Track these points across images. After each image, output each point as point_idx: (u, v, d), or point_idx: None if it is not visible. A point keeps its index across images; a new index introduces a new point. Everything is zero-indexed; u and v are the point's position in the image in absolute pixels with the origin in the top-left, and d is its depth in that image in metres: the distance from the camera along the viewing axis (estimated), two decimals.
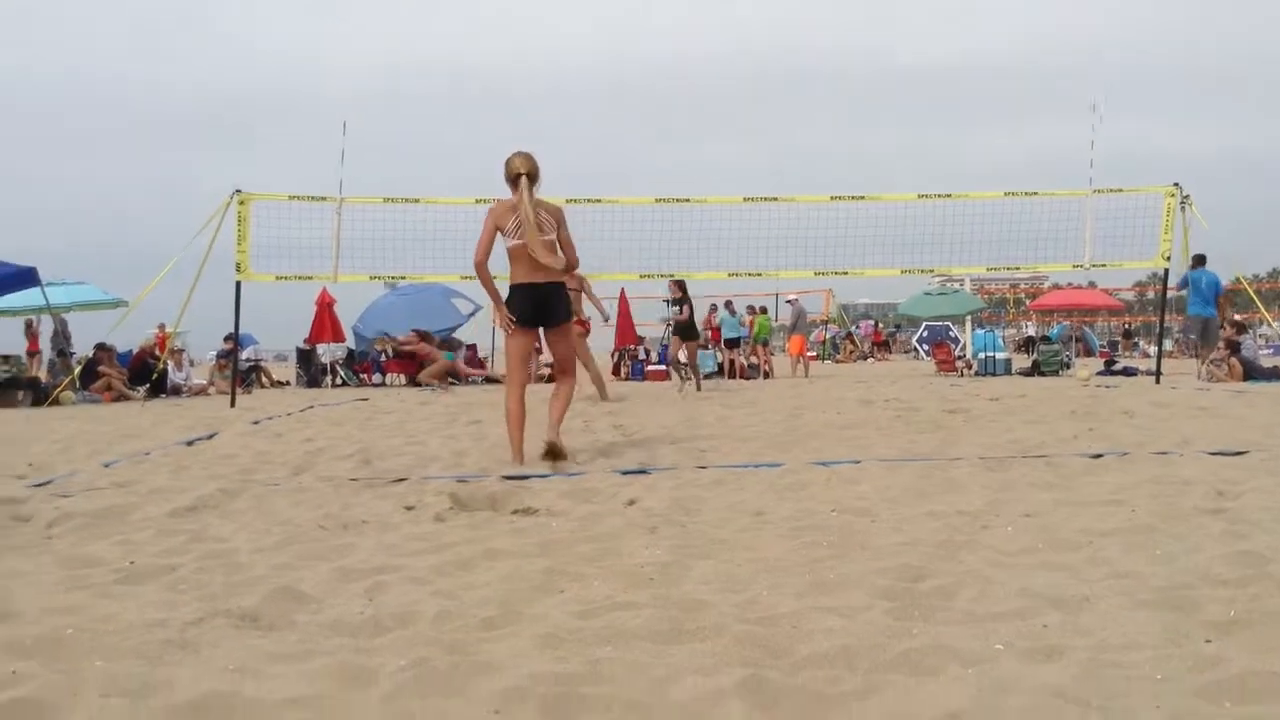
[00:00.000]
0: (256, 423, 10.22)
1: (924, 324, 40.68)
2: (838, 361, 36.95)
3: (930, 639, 2.78)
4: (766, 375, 22.68)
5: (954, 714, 2.25)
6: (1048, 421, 8.79)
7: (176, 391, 17.79)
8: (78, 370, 16.34)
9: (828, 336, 40.54)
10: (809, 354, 25.40)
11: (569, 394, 6.96)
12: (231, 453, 7.56)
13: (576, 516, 4.82)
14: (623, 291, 23.26)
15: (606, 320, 16.02)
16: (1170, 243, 14.69)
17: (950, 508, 4.72)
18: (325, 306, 22.56)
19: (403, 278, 15.77)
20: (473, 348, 23.59)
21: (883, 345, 45.54)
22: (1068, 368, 21.68)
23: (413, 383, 19.47)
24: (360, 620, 3.12)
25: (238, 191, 13.81)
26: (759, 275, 16.16)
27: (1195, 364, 17.05)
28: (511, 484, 5.62)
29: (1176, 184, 14.69)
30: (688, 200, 15.12)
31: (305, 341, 22.94)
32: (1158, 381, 15.20)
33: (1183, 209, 14.80)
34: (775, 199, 15.34)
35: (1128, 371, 20.28)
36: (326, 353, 22.92)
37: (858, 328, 47.75)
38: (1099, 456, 6.25)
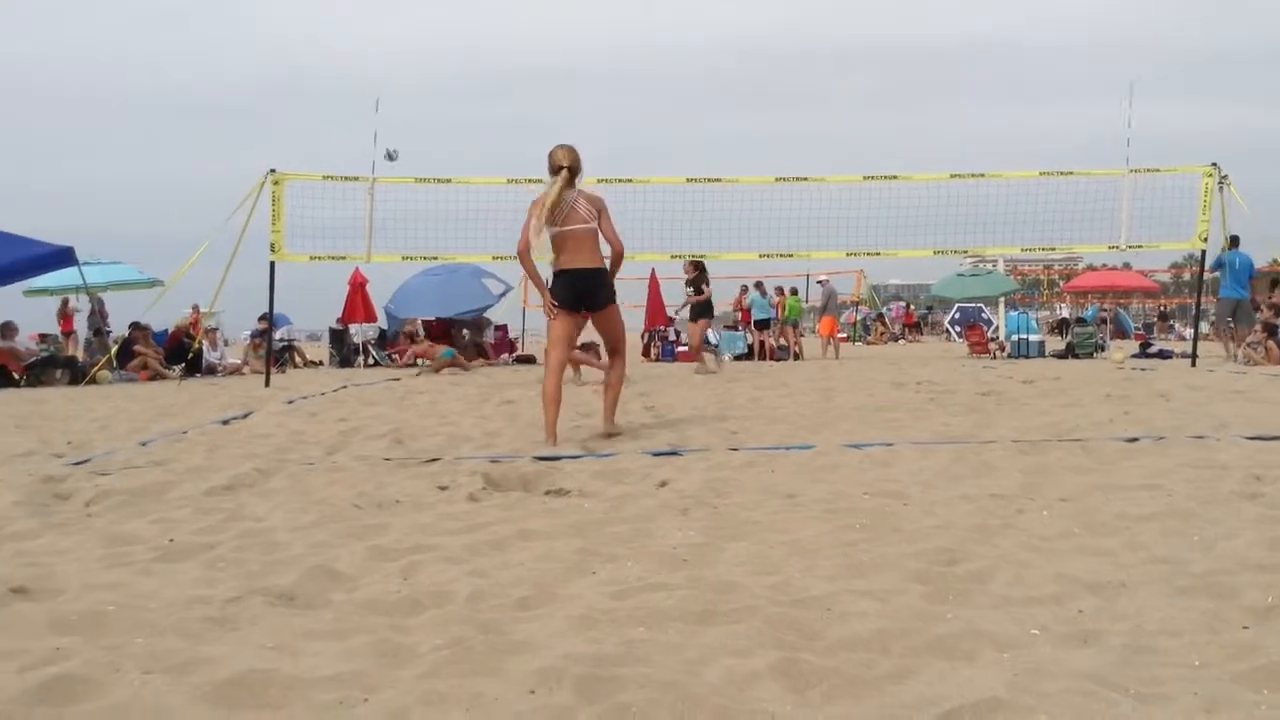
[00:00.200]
0: (291, 402, 10.29)
1: (956, 305, 40.38)
2: (868, 343, 36.78)
3: (965, 623, 2.77)
4: (797, 357, 22.60)
5: (990, 699, 2.24)
6: (1083, 404, 8.72)
7: (211, 371, 17.95)
8: (114, 349, 16.50)
9: (858, 318, 40.34)
10: (839, 335, 25.29)
11: (619, 381, 7.19)
12: (266, 432, 7.62)
13: (609, 497, 4.83)
14: (653, 272, 23.23)
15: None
16: (1208, 223, 14.50)
17: (984, 491, 4.70)
18: (358, 287, 22.66)
19: (435, 258, 15.80)
20: (503, 328, 23.66)
21: (914, 327, 45.26)
22: (1102, 350, 21.48)
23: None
24: (396, 599, 3.15)
25: (272, 171, 13.88)
26: (790, 256, 16.10)
27: (1230, 346, 16.83)
28: (544, 465, 5.64)
29: (1214, 164, 14.49)
30: (719, 180, 15.07)
31: (338, 321, 23.08)
32: (1194, 364, 15.04)
33: (1220, 189, 14.60)
34: (806, 179, 15.25)
35: (1163, 354, 20.08)
36: (359, 333, 23.05)
37: (889, 309, 47.48)
38: (1135, 440, 6.20)
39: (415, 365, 17.98)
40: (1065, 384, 11.22)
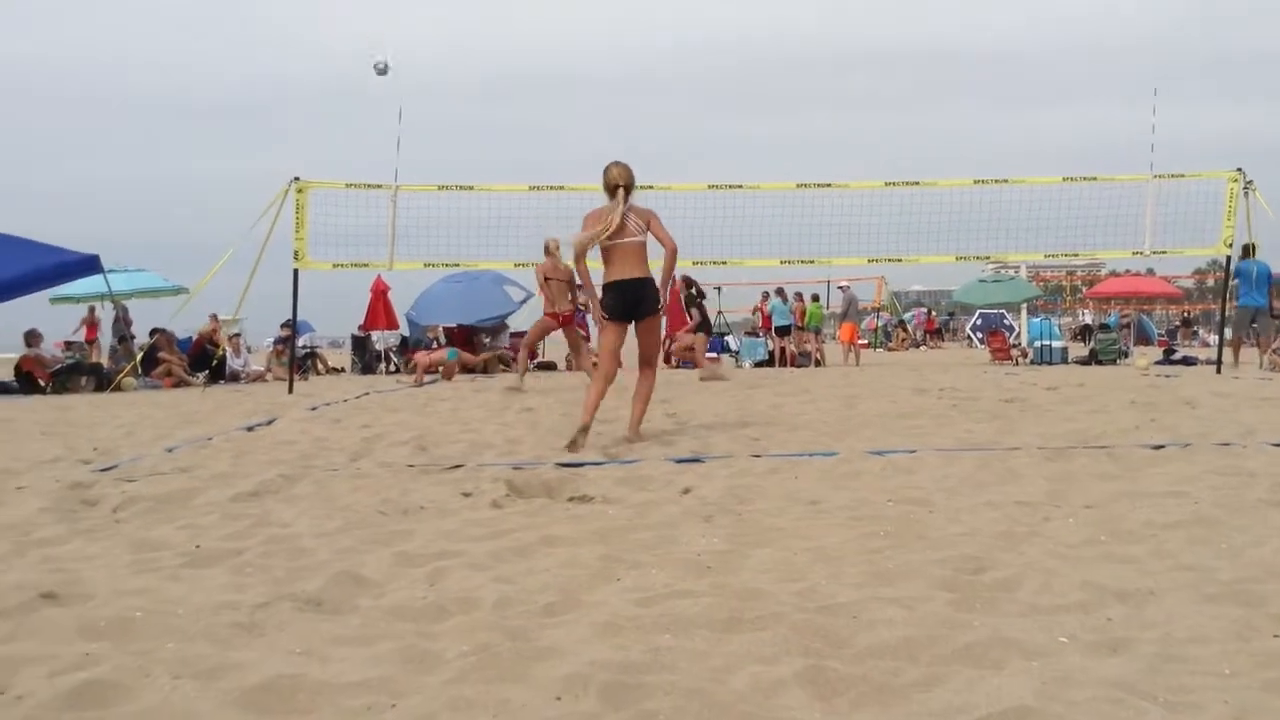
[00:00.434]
0: (314, 409, 10.34)
1: (978, 312, 40.25)
2: (889, 349, 36.68)
3: (992, 631, 2.76)
4: (818, 363, 22.55)
5: (1018, 707, 2.24)
6: (1108, 411, 8.67)
7: (235, 378, 18.04)
8: (140, 356, 16.62)
9: (879, 324, 40.23)
10: (860, 342, 25.22)
11: (648, 393, 7.43)
12: (291, 438, 7.66)
13: (632, 504, 4.83)
14: (674, 280, 23.21)
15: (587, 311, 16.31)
16: (1233, 229, 14.38)
17: (1009, 498, 4.68)
18: (380, 294, 22.76)
19: (457, 264, 15.85)
20: (522, 335, 23.68)
21: (936, 333, 45.11)
22: (1126, 356, 21.36)
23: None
24: (422, 605, 3.16)
25: (296, 179, 13.95)
26: (811, 262, 16.03)
27: (1239, 355, 16.70)
28: (567, 471, 5.65)
29: (1239, 169, 14.39)
30: (740, 187, 15.05)
31: (360, 328, 23.17)
32: (1219, 371, 14.93)
33: (1246, 194, 14.49)
34: (829, 185, 15.21)
35: (1187, 361, 19.94)
36: (381, 340, 23.13)
37: (911, 315, 47.34)
38: (1161, 447, 6.16)
39: (434, 375, 18.03)
40: (1089, 390, 11.15)
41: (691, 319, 17.50)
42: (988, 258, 17.36)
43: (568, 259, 7.30)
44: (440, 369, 17.14)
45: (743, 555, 3.73)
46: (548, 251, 12.75)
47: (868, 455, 6.04)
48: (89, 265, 16.56)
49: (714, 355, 23.34)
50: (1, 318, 16.82)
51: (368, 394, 12.78)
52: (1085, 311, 52.31)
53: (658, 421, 8.35)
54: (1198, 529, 3.96)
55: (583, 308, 22.27)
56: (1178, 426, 7.36)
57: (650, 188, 14.82)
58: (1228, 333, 17.12)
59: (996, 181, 15.21)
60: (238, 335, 19.30)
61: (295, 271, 14.07)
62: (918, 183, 15.24)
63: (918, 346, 39.70)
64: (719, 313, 28.48)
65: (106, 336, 21.43)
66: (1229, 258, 15.06)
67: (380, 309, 22.82)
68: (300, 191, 13.93)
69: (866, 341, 34.18)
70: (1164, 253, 15.42)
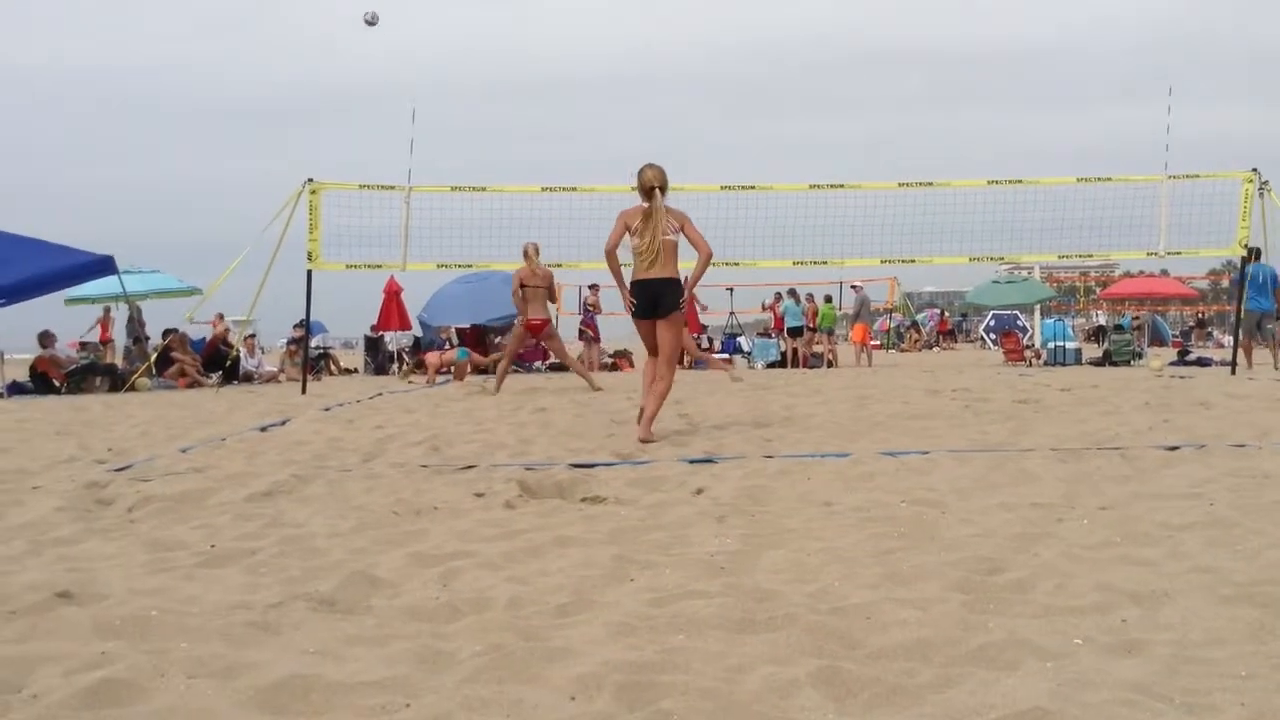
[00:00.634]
0: (328, 409, 10.36)
1: (991, 313, 40.14)
2: (902, 350, 36.57)
3: (1007, 633, 2.76)
4: (830, 364, 22.52)
5: (1033, 709, 2.23)
6: (1121, 412, 8.63)
7: (248, 378, 18.10)
8: (154, 357, 16.69)
9: (892, 325, 40.14)
10: (873, 343, 25.17)
11: (664, 390, 7.53)
12: (304, 439, 7.68)
13: (645, 505, 4.84)
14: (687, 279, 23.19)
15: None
16: (1248, 230, 14.31)
17: (1023, 500, 4.67)
18: (393, 295, 22.81)
19: (469, 265, 15.87)
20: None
21: (949, 334, 44.98)
22: (1139, 357, 21.26)
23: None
24: (435, 605, 3.17)
25: (309, 181, 13.99)
26: (824, 263, 16.00)
27: (1268, 355, 16.63)
28: (579, 472, 5.65)
29: (1255, 169, 14.32)
30: (753, 188, 15.02)
31: (373, 329, 23.23)
32: (1233, 372, 14.85)
33: (1261, 195, 14.42)
34: (842, 186, 15.18)
35: (1202, 362, 19.84)
36: (393, 340, 23.18)
37: (924, 316, 47.21)
38: (1175, 449, 6.13)
39: (446, 375, 18.07)
40: (1103, 392, 11.11)
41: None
42: (1001, 259, 17.32)
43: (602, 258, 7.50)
44: (452, 369, 17.16)
45: (756, 556, 3.73)
46: (526, 256, 12.47)
47: (881, 456, 6.03)
48: (104, 266, 16.62)
49: (726, 356, 23.36)
50: (17, 319, 16.89)
51: (381, 394, 12.81)
52: (1099, 313, 52.10)
53: (670, 422, 8.34)
54: (1213, 531, 3.94)
55: (590, 307, 22.40)
56: (1192, 428, 7.32)
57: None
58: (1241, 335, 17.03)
59: (1010, 182, 15.16)
60: (253, 336, 19.37)
61: (309, 272, 14.10)
62: (931, 183, 15.20)
63: (930, 348, 39.57)
64: (730, 313, 28.43)
65: (121, 337, 21.52)
66: (1243, 259, 15.00)
67: (393, 310, 22.88)
68: (314, 193, 13.96)
69: (879, 342, 34.12)
70: (1178, 253, 15.35)
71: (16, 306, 16.09)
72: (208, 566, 3.70)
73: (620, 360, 22.01)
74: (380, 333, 23.06)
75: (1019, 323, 36.42)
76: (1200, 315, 48.30)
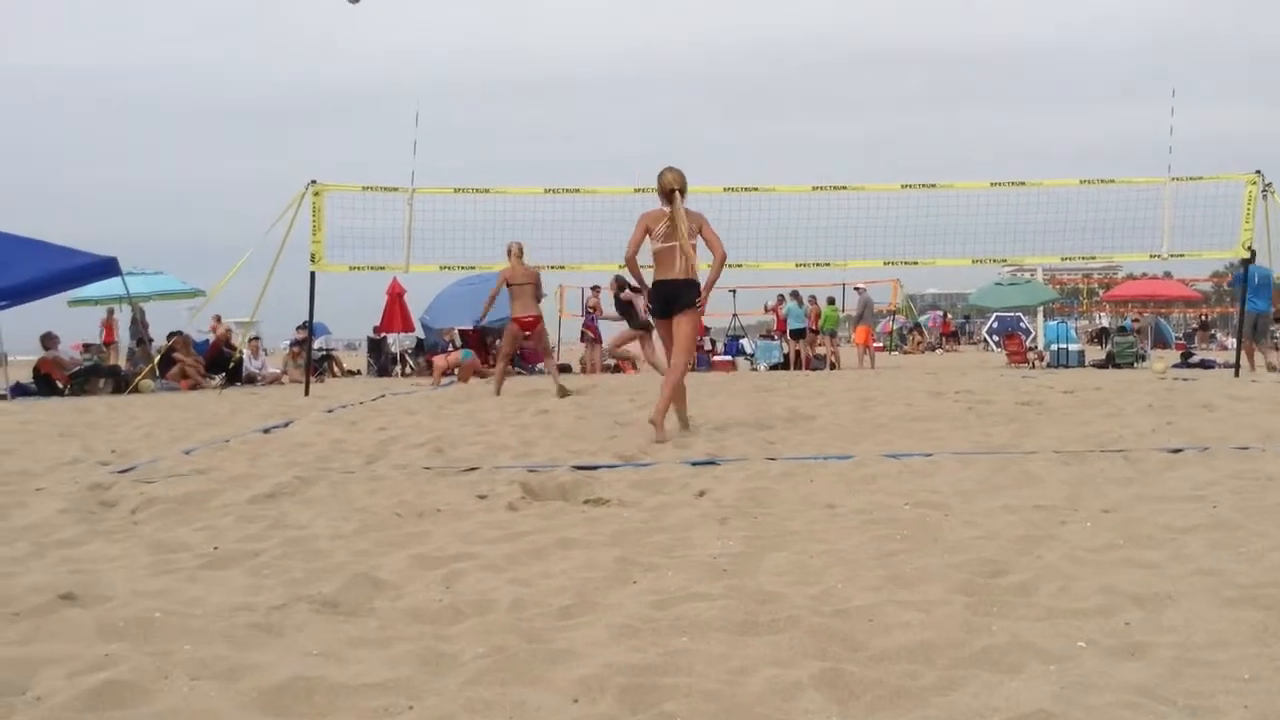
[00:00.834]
0: (330, 411, 10.36)
1: (994, 315, 40.12)
2: (905, 352, 36.55)
3: (1010, 635, 2.76)
4: (833, 366, 22.51)
5: (1036, 711, 2.23)
6: (1124, 415, 8.63)
7: (251, 380, 18.11)
8: (158, 359, 16.70)
9: (894, 327, 40.12)
10: (875, 344, 25.16)
11: (675, 381, 7.71)
12: (307, 441, 7.68)
13: (647, 507, 4.84)
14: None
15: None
16: (1251, 232, 14.30)
17: (1026, 502, 4.67)
18: (396, 296, 22.82)
19: (472, 267, 15.87)
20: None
21: (952, 336, 44.96)
22: (1143, 360, 21.24)
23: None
24: (438, 607, 3.17)
25: (313, 182, 14.00)
26: (827, 265, 15.98)
27: (1255, 360, 16.64)
28: (582, 474, 5.65)
29: (1259, 171, 14.31)
30: (756, 189, 15.00)
31: (375, 331, 23.24)
32: (1237, 374, 14.84)
33: (1265, 197, 14.40)
34: (844, 188, 15.16)
35: (1205, 364, 19.82)
36: (396, 342, 23.19)
37: (926, 318, 47.18)
38: (1179, 451, 6.13)
39: (452, 377, 18.07)
40: (1106, 394, 11.10)
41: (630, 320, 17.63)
42: (1004, 260, 17.28)
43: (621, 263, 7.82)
44: (456, 371, 17.18)
45: (758, 558, 3.73)
46: (509, 255, 12.48)
47: (884, 458, 6.02)
48: (107, 268, 16.64)
49: (729, 359, 23.36)
50: (20, 320, 16.91)
51: (384, 396, 12.81)
52: (1102, 315, 52.07)
53: (672, 423, 8.34)
54: (1216, 533, 3.93)
55: (591, 309, 22.39)
56: (1196, 430, 7.32)
57: None
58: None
59: (1013, 184, 15.14)
60: (257, 338, 19.38)
61: (312, 274, 14.11)
62: (934, 185, 15.19)
63: (933, 349, 39.55)
64: (733, 315, 28.42)
65: (124, 339, 21.56)
66: (1246, 261, 14.99)
67: (396, 311, 22.88)
68: (317, 195, 13.98)
69: (882, 344, 34.09)
70: (1181, 256, 15.33)
71: (20, 308, 16.11)
72: (211, 568, 3.71)
73: (623, 362, 22.01)
74: (383, 334, 23.06)
75: (1022, 325, 36.41)
76: (1203, 317, 48.25)
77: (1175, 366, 18.92)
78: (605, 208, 14.66)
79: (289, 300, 16.53)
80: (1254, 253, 15.78)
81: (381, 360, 22.42)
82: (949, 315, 51.92)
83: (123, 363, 18.51)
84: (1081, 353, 22.18)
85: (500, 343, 20.98)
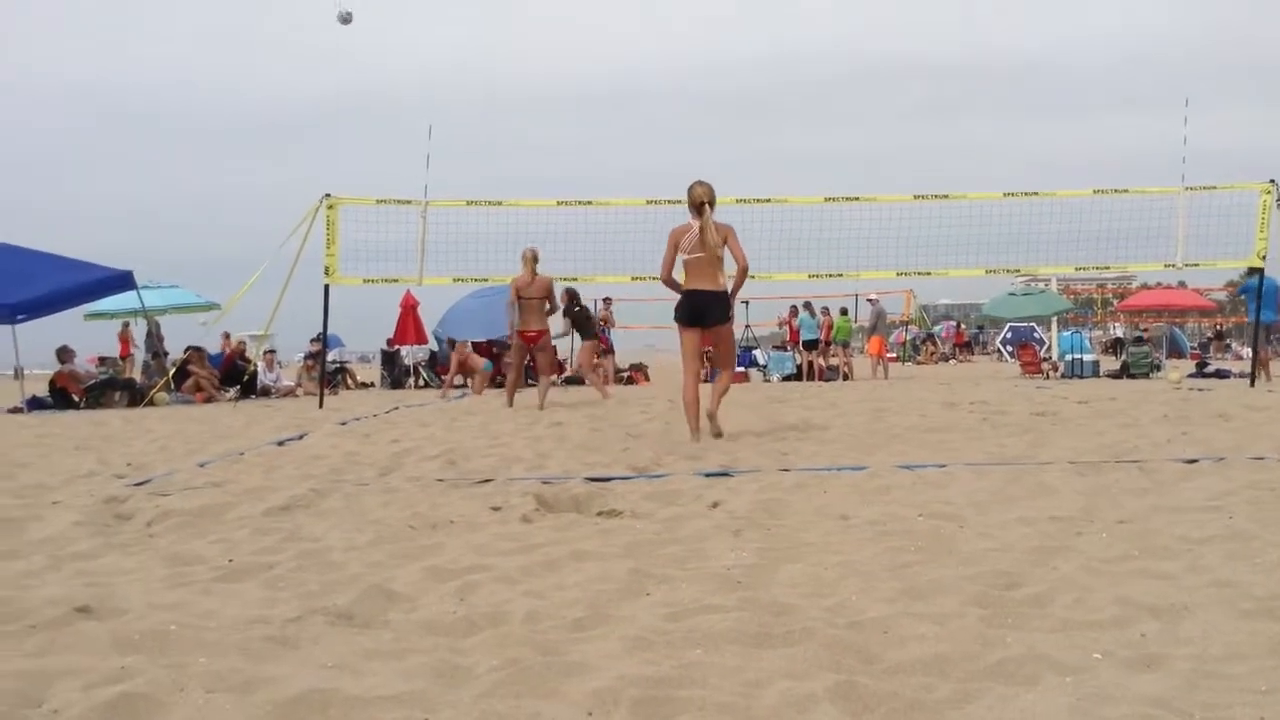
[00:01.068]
0: (344, 424, 10.39)
1: (1007, 325, 40.02)
2: (918, 363, 36.50)
3: (1026, 647, 2.74)
4: (846, 377, 22.48)
5: None
6: (1140, 425, 8.60)
7: (266, 393, 18.18)
8: (172, 371, 16.78)
9: (908, 338, 40.06)
10: (889, 355, 25.12)
11: (725, 385, 8.25)
12: (321, 453, 7.70)
13: (661, 519, 4.83)
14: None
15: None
16: (1265, 241, 14.26)
17: (1041, 513, 4.65)
18: (409, 309, 22.90)
19: (485, 280, 15.93)
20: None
21: (965, 347, 44.88)
22: (1158, 370, 21.16)
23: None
24: (452, 620, 3.17)
25: (327, 196, 14.07)
26: (839, 276, 15.97)
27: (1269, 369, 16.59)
28: (595, 486, 5.65)
29: (1273, 180, 14.26)
30: (768, 200, 15.02)
31: (389, 343, 23.30)
32: (1252, 384, 14.78)
33: (1279, 206, 14.35)
34: (857, 198, 15.18)
35: (1220, 374, 19.74)
36: (410, 355, 23.24)
37: (940, 329, 47.11)
38: (1194, 461, 6.10)
39: (465, 385, 18.10)
40: (1121, 404, 11.06)
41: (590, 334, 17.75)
42: (1017, 271, 17.26)
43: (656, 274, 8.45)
44: (470, 380, 17.22)
45: (772, 570, 3.72)
46: (524, 261, 12.18)
47: (897, 470, 6.01)
48: (123, 282, 16.73)
49: (742, 370, 23.33)
50: (36, 334, 17.02)
51: (397, 409, 12.85)
52: (1116, 325, 51.87)
53: (684, 435, 8.34)
54: (1233, 544, 3.91)
55: (603, 321, 22.40)
56: (1211, 440, 7.29)
57: (677, 202, 14.85)
58: None
59: (1026, 194, 15.14)
60: (272, 351, 19.45)
61: (326, 287, 14.17)
62: (947, 196, 15.19)
63: (947, 360, 39.50)
64: (746, 326, 28.40)
65: (140, 352, 21.65)
66: (1262, 270, 14.94)
67: (410, 324, 22.96)
68: (331, 208, 14.05)
69: (895, 355, 34.04)
70: (1196, 265, 15.29)
71: (36, 321, 16.22)
72: (226, 581, 3.72)
73: (635, 374, 22.02)
74: (397, 346, 23.12)
75: (1036, 335, 36.33)
76: (1219, 327, 48.04)
77: (1190, 376, 18.85)
78: (617, 220, 14.73)
79: (303, 313, 16.60)
80: (1265, 260, 15.73)
81: (395, 373, 22.47)
82: (962, 325, 51.84)
83: (138, 376, 18.60)
84: (1096, 363, 22.12)
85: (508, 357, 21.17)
